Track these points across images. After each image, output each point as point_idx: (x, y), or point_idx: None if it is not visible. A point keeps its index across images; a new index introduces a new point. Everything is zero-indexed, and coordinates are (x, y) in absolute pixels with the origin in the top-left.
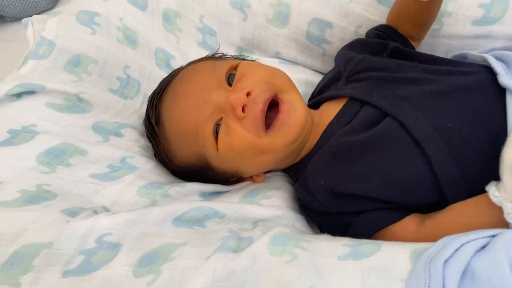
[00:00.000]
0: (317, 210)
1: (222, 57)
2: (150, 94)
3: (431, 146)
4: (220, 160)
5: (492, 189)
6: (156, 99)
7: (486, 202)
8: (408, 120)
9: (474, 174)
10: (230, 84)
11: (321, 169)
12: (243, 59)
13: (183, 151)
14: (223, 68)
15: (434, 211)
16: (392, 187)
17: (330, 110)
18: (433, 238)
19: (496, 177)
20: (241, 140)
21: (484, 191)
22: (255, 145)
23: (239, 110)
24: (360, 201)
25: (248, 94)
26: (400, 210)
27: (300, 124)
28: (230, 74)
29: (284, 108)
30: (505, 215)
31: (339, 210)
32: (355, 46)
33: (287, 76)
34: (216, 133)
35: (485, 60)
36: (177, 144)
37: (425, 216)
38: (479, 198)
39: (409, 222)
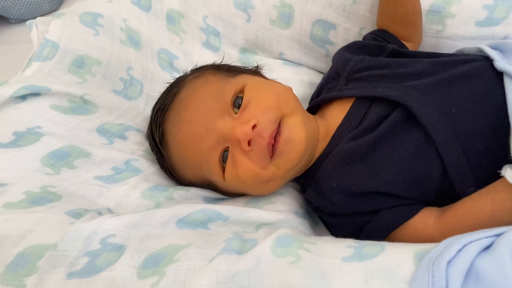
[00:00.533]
0: (332, 212)
1: (227, 70)
2: (153, 105)
3: (438, 132)
4: (227, 186)
5: (508, 172)
6: (160, 118)
7: (505, 186)
8: (416, 106)
9: (479, 158)
10: (236, 106)
11: (333, 173)
12: (248, 70)
13: (188, 173)
14: (227, 93)
15: (446, 205)
16: (403, 178)
17: (336, 113)
18: (457, 228)
19: (502, 160)
20: (246, 173)
21: (491, 175)
22: (261, 177)
23: (245, 144)
24: (374, 199)
25: (253, 126)
26: (415, 205)
27: (299, 150)
28: (236, 97)
29: (279, 139)
30: None
31: (355, 210)
32: (352, 47)
33: (293, 96)
34: (223, 160)
35: (481, 50)
36: (182, 167)
37: (442, 208)
38: (497, 183)
39: (427, 215)
